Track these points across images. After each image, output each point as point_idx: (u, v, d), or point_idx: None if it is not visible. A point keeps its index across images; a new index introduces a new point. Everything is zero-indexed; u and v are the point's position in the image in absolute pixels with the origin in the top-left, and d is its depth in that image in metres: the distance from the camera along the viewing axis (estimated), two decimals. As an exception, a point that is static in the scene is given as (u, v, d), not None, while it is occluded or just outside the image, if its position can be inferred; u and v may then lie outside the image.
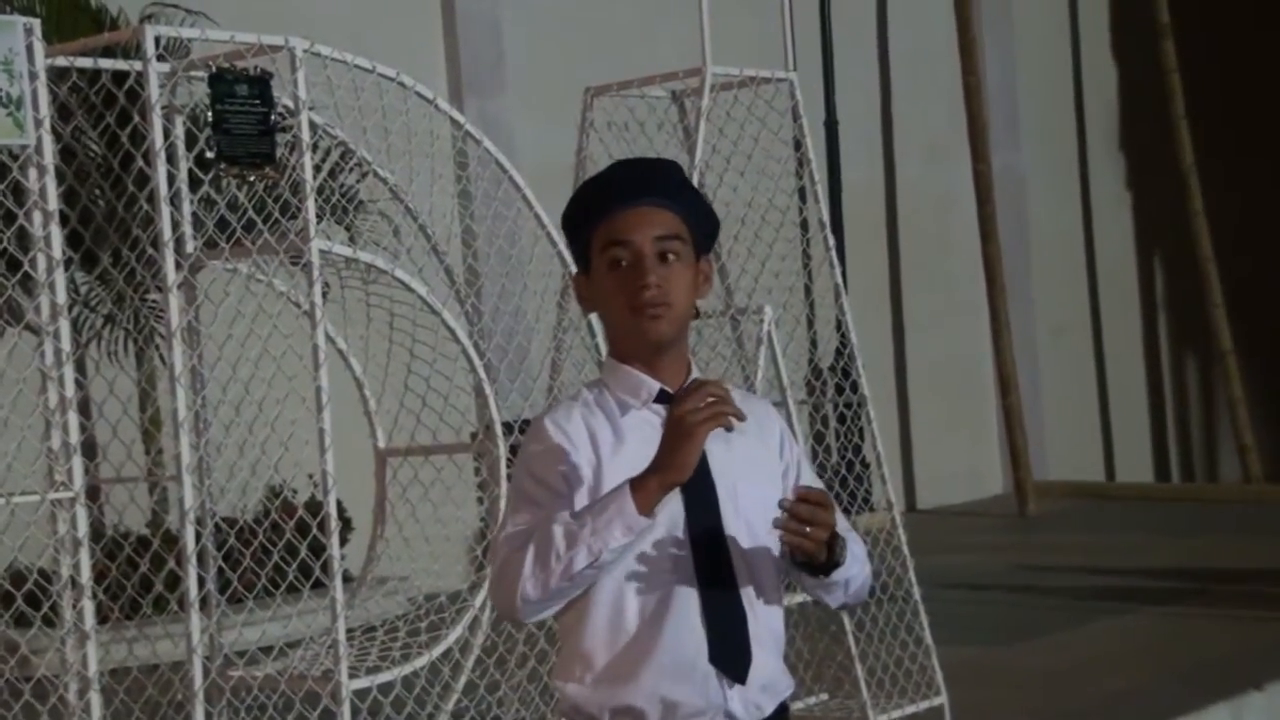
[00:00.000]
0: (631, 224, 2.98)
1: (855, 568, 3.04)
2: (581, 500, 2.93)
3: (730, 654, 2.95)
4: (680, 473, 2.83)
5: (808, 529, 2.88)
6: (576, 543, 2.83)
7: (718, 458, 2.98)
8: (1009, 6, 16.72)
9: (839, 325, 7.09)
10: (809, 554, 2.93)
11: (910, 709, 6.78)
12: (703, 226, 3.07)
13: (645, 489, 2.83)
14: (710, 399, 2.82)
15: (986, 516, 14.78)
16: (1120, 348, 18.30)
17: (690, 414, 2.81)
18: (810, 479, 3.16)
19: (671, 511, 2.92)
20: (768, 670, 3.01)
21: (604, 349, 5.03)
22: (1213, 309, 16.23)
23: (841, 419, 7.22)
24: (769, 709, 3.02)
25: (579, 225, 3.05)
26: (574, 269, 3.19)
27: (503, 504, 3.07)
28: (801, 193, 7.13)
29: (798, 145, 6.94)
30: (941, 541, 12.36)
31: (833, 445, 7.87)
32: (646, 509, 2.83)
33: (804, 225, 7.21)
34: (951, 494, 15.67)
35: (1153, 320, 18.85)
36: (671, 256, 2.98)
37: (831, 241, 7.02)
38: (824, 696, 7.00)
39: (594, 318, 5.71)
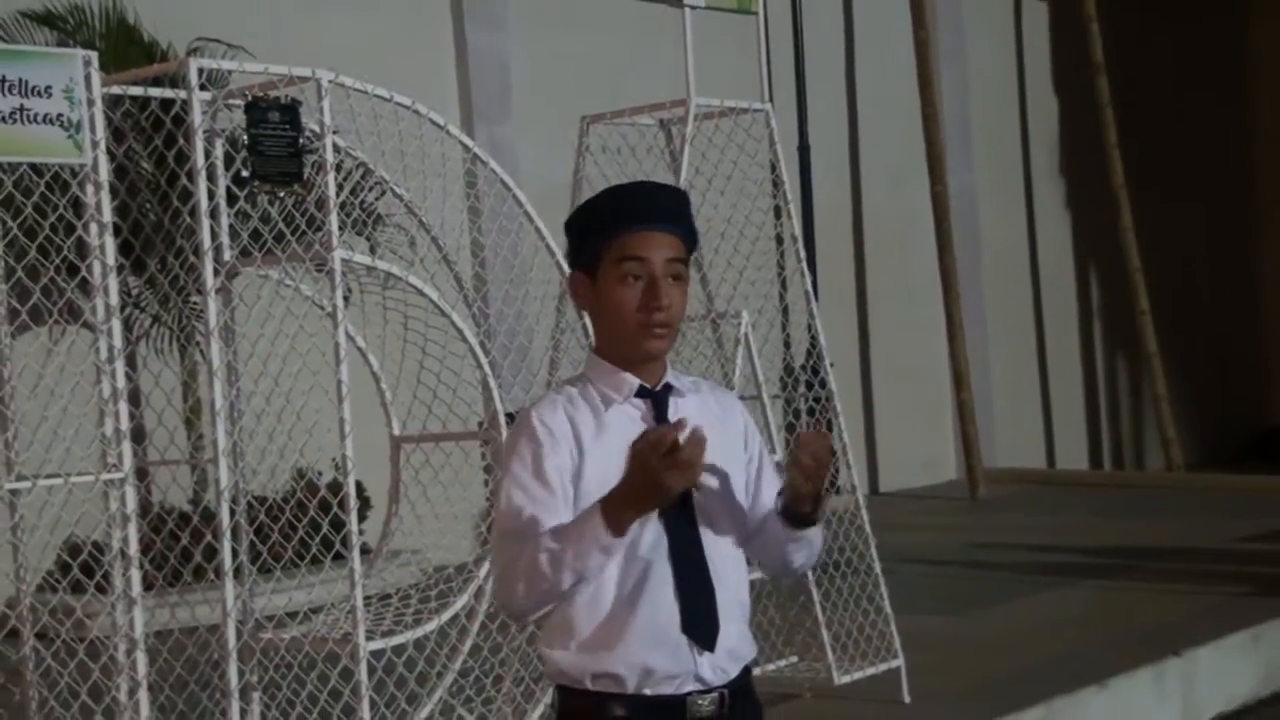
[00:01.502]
0: (650, 243, 2.93)
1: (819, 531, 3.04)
2: (567, 488, 2.90)
3: (700, 625, 2.93)
4: (654, 507, 2.80)
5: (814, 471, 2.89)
6: (561, 567, 2.80)
7: None
8: (963, 46, 16.71)
9: (809, 328, 7.07)
10: (807, 495, 2.91)
11: (871, 670, 6.76)
12: (692, 250, 3.04)
13: (618, 515, 2.77)
14: (685, 461, 2.71)
15: (941, 499, 14.77)
16: (1060, 350, 18.29)
17: (667, 474, 2.71)
18: (771, 475, 3.13)
19: None
20: (733, 638, 2.98)
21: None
22: (1140, 316, 16.26)
23: (811, 412, 7.19)
24: (734, 672, 2.99)
25: (593, 231, 2.98)
26: (568, 272, 3.14)
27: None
28: (776, 210, 7.10)
29: (773, 168, 6.91)
30: (901, 521, 12.35)
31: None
32: (620, 531, 2.79)
33: (778, 239, 7.17)
34: (910, 479, 15.66)
35: (1088, 326, 18.84)
36: (675, 279, 2.96)
37: (803, 254, 6.99)
38: (794, 659, 6.98)
39: (587, 320, 5.69)
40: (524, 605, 2.87)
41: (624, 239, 2.94)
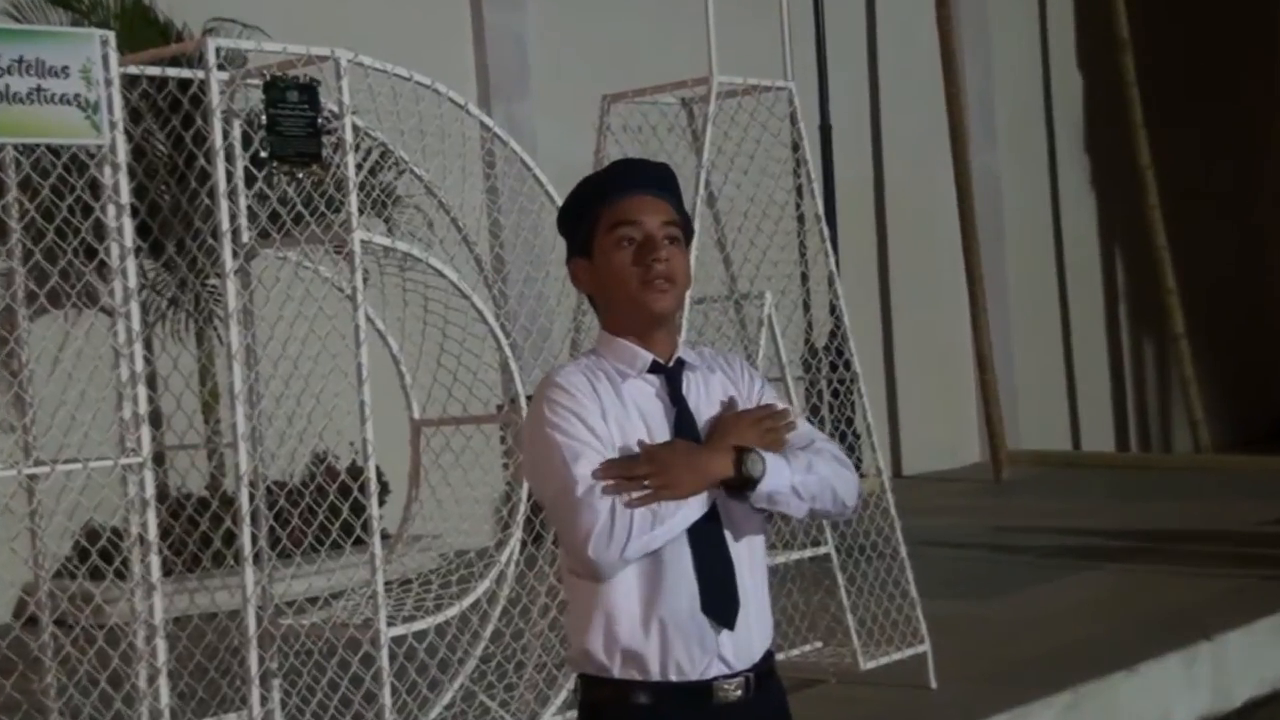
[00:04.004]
0: (639, 207, 2.95)
1: (796, 477, 2.94)
2: (611, 443, 2.90)
3: (720, 604, 2.92)
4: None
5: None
6: (665, 517, 2.85)
7: (706, 426, 2.98)
8: (986, 24, 16.66)
9: (833, 309, 7.05)
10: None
11: (897, 656, 6.76)
12: (686, 224, 3.04)
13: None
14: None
15: (965, 482, 14.74)
16: (1085, 331, 18.24)
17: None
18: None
19: None
20: (753, 617, 2.96)
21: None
22: (1167, 296, 16.21)
23: (835, 393, 7.17)
24: (758, 655, 2.98)
25: (582, 212, 3.00)
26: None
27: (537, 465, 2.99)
28: (799, 190, 7.07)
29: (795, 147, 6.88)
30: (925, 504, 12.34)
31: (826, 417, 7.82)
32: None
33: (801, 219, 7.14)
34: (934, 461, 15.63)
35: (1114, 306, 18.79)
36: (671, 241, 2.96)
37: (826, 233, 6.96)
38: (819, 644, 6.97)
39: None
40: (631, 553, 2.84)
41: (615, 206, 2.95)
